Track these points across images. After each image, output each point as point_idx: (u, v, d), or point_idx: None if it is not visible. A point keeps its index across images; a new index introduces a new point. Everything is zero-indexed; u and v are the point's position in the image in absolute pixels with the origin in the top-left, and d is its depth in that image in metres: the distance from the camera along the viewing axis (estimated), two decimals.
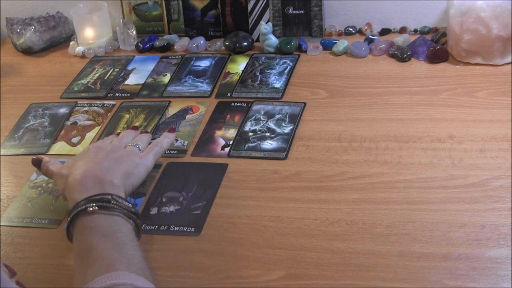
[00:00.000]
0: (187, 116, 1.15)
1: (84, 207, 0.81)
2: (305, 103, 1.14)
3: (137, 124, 1.14)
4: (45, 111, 1.22)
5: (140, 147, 0.98)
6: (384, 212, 0.88)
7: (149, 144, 1.01)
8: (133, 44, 1.40)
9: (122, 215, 0.82)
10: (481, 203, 0.88)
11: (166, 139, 1.02)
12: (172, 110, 1.17)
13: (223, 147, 1.06)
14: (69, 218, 0.82)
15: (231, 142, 1.07)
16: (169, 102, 1.20)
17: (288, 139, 1.05)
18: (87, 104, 1.23)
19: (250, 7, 1.35)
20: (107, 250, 0.76)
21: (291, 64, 1.27)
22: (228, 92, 1.21)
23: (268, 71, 1.25)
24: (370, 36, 1.31)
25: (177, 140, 1.09)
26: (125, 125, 1.14)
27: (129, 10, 1.42)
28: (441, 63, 1.21)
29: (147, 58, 1.36)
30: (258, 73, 1.25)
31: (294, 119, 1.10)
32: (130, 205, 0.84)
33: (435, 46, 1.23)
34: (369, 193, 0.92)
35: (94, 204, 0.81)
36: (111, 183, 0.86)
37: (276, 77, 1.23)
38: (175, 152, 1.06)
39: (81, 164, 0.90)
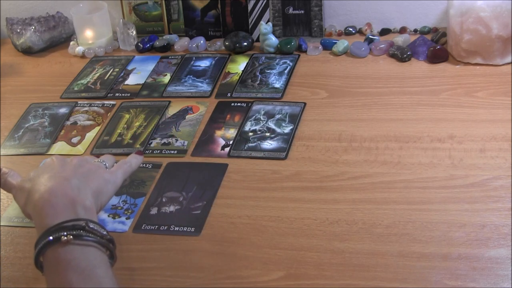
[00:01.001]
0: (187, 116, 1.15)
1: (56, 235, 0.73)
2: (305, 103, 1.14)
3: (137, 124, 1.14)
4: (45, 111, 1.22)
5: (107, 164, 0.89)
6: (384, 212, 0.88)
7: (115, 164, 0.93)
8: (133, 44, 1.40)
9: (98, 245, 0.75)
10: (481, 203, 0.88)
11: (134, 160, 0.93)
12: (172, 110, 1.17)
13: (223, 147, 1.06)
14: (39, 247, 0.74)
15: (231, 142, 1.07)
16: (169, 102, 1.20)
17: (288, 139, 1.05)
18: (87, 104, 1.23)
19: (250, 7, 1.35)
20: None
21: (291, 64, 1.27)
22: (228, 92, 1.21)
23: (268, 71, 1.25)
24: (370, 36, 1.31)
25: (177, 140, 1.09)
26: (125, 125, 1.14)
27: (129, 10, 1.42)
28: (441, 63, 1.21)
29: (147, 58, 1.36)
30: (258, 73, 1.25)
31: (294, 119, 1.10)
32: (104, 231, 0.76)
33: (435, 46, 1.23)
34: (369, 193, 0.92)
35: (68, 233, 0.73)
36: (84, 206, 0.78)
37: (276, 77, 1.23)
38: (175, 152, 1.06)
39: (47, 179, 0.80)
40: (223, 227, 0.89)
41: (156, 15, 1.42)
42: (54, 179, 0.80)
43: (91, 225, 0.75)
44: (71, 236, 0.73)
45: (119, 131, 1.13)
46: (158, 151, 1.07)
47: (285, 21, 1.35)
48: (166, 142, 1.09)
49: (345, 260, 0.81)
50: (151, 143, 1.09)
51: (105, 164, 0.89)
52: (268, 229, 0.88)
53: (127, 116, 1.17)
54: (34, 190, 0.79)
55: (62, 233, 0.73)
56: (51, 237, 0.73)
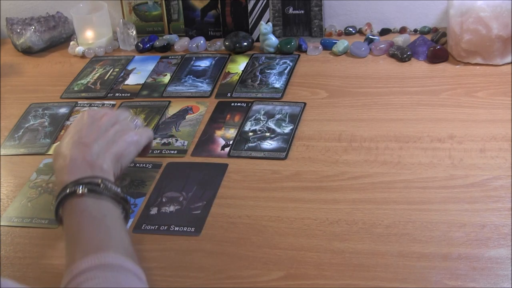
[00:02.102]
0: (187, 116, 1.15)
1: (73, 189, 0.81)
2: (305, 103, 1.14)
3: None
4: (45, 111, 1.22)
5: (138, 123, 0.98)
6: (384, 212, 0.88)
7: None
8: (133, 44, 1.40)
9: (111, 199, 0.82)
10: (481, 203, 0.88)
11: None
12: (172, 110, 1.17)
13: (223, 147, 1.06)
14: (57, 200, 0.82)
15: (231, 142, 1.07)
16: (169, 102, 1.20)
17: (288, 139, 1.05)
18: (87, 104, 1.23)
19: (250, 7, 1.35)
20: (96, 232, 0.77)
21: (291, 64, 1.27)
22: (228, 92, 1.21)
23: (268, 71, 1.25)
24: (370, 36, 1.31)
25: (177, 140, 1.09)
26: None
27: (129, 10, 1.42)
28: (441, 63, 1.21)
29: (147, 58, 1.36)
30: (258, 73, 1.25)
31: (294, 119, 1.10)
32: (119, 190, 0.84)
33: (435, 46, 1.23)
34: (369, 193, 0.92)
35: (83, 187, 0.81)
36: (101, 169, 0.86)
37: (276, 77, 1.23)
38: (175, 152, 1.06)
39: (71, 144, 0.88)
40: (223, 227, 0.89)
41: (156, 15, 1.42)
42: (77, 146, 0.88)
43: (106, 183, 0.82)
44: (86, 189, 0.81)
45: None
46: (158, 151, 1.07)
47: (285, 21, 1.35)
48: (166, 142, 1.09)
49: (345, 260, 0.81)
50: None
51: (136, 123, 0.97)
52: (268, 229, 0.88)
53: None
54: (59, 154, 0.88)
55: (78, 187, 0.81)
56: (68, 190, 0.81)
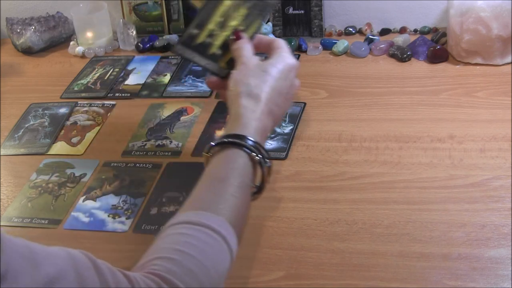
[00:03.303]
0: (181, 118, 1.15)
1: (240, 142, 0.80)
2: (305, 103, 1.14)
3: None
4: (45, 111, 1.22)
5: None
6: (384, 212, 0.88)
7: None
8: (133, 44, 1.40)
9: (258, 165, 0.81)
10: (481, 203, 0.88)
11: None
12: (166, 112, 1.17)
13: None
14: (220, 138, 0.81)
15: None
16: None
17: (288, 139, 1.05)
18: (87, 104, 1.23)
19: None
20: (223, 192, 0.76)
21: None
22: None
23: None
24: (370, 36, 1.31)
25: (171, 142, 1.09)
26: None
27: (129, 10, 1.42)
28: (441, 63, 1.21)
29: (147, 58, 1.36)
30: None
31: (294, 119, 1.10)
32: (269, 164, 0.82)
33: (435, 46, 1.23)
34: (369, 193, 0.92)
35: (249, 150, 0.79)
36: (266, 138, 0.86)
37: None
38: (169, 154, 1.06)
39: (271, 98, 0.85)
40: None
41: (156, 15, 1.42)
42: (271, 112, 0.84)
43: (265, 159, 0.80)
44: (249, 150, 0.79)
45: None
46: (153, 153, 1.06)
47: (285, 21, 1.35)
48: (161, 144, 1.08)
49: (345, 260, 0.81)
50: (145, 144, 1.09)
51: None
52: (268, 229, 0.88)
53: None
54: (253, 94, 0.84)
55: (257, 154, 0.80)
56: (235, 140, 0.80)
